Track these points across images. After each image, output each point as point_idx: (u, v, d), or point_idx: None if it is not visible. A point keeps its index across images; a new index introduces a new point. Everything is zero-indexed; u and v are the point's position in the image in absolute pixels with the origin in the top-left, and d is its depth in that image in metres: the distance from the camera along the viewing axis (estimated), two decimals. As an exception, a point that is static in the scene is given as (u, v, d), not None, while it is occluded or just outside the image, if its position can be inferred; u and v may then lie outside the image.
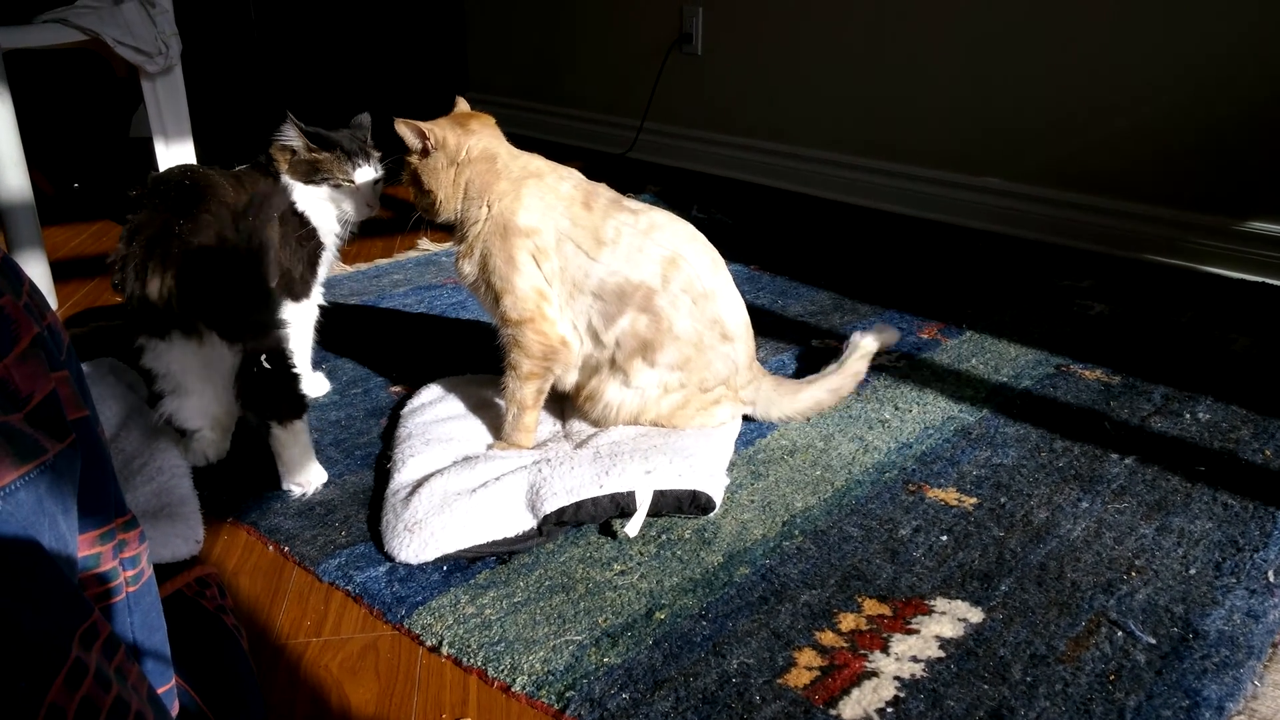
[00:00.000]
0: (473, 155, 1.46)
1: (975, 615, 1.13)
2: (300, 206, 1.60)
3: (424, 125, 1.45)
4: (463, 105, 1.58)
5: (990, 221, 2.72)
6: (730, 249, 1.65)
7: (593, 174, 1.57)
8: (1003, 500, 1.37)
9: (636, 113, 3.55)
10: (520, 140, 1.55)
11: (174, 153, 2.43)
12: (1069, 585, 1.19)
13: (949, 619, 1.13)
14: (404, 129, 1.45)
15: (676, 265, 1.45)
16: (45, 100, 2.88)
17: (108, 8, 2.25)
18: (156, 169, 2.43)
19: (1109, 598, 1.16)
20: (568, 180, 1.50)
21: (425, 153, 1.47)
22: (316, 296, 1.67)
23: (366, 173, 1.60)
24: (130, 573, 0.70)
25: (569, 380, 1.52)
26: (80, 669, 0.48)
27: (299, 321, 1.64)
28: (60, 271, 2.29)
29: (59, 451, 0.58)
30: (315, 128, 1.60)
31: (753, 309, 1.56)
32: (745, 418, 1.59)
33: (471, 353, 1.86)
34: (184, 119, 2.42)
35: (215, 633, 1.03)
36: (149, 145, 2.47)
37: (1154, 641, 1.09)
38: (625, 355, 1.46)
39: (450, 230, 1.53)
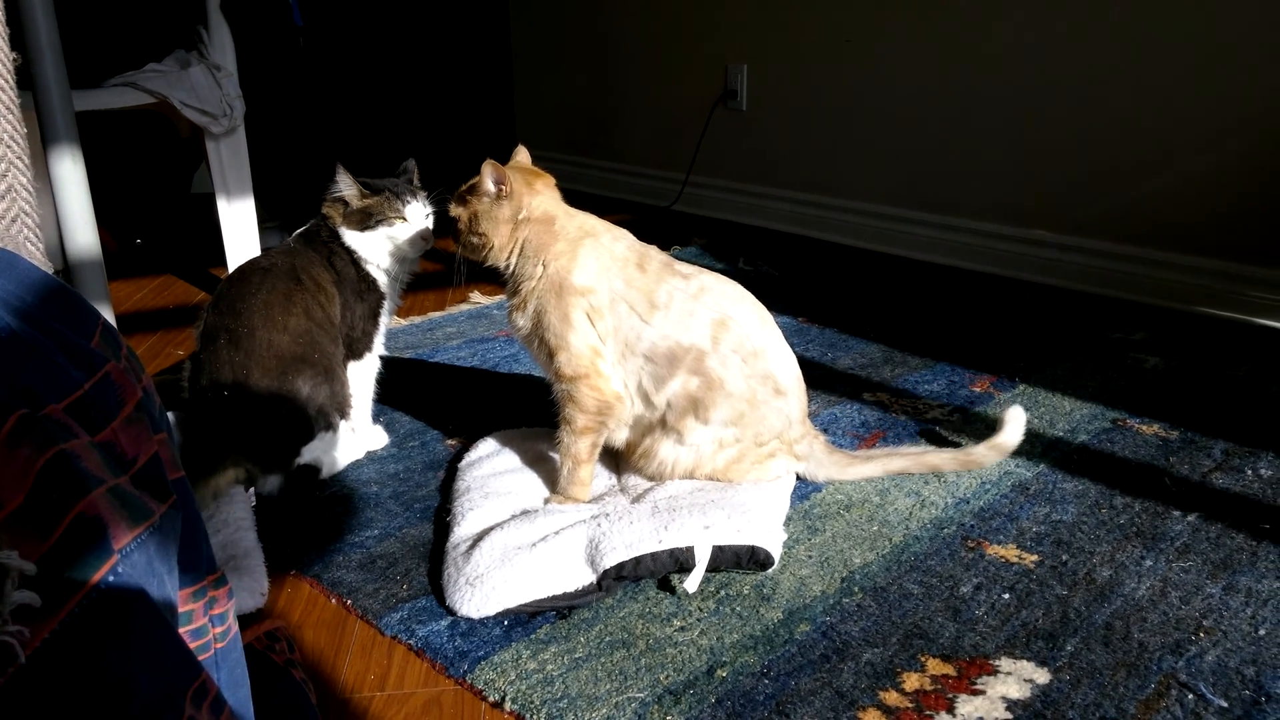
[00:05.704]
0: (533, 215, 1.49)
1: (1041, 676, 1.12)
2: (359, 255, 1.64)
3: (508, 172, 1.47)
4: (523, 154, 1.59)
5: (1040, 274, 2.72)
6: (777, 301, 1.66)
7: (639, 226, 1.59)
8: (1064, 558, 1.36)
9: (682, 166, 3.60)
10: (566, 193, 1.56)
11: (235, 208, 2.50)
12: (1136, 646, 1.17)
13: (1015, 680, 1.11)
14: (488, 170, 1.46)
15: (726, 326, 1.47)
16: (110, 158, 2.98)
17: (175, 72, 2.34)
18: (217, 224, 2.51)
19: (1178, 659, 1.15)
20: (621, 241, 1.52)
21: (497, 196, 1.48)
22: (378, 348, 1.71)
23: (417, 209, 1.65)
24: (218, 629, 0.71)
25: (619, 437, 1.54)
26: (192, 728, 0.50)
27: (361, 377, 1.67)
28: (122, 325, 2.35)
29: (163, 512, 0.60)
30: (362, 177, 1.65)
31: (802, 361, 1.57)
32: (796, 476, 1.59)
33: (525, 405, 1.88)
34: (245, 177, 2.49)
35: (286, 687, 1.04)
36: (210, 201, 2.54)
37: (1225, 704, 1.07)
38: (677, 415, 1.47)
39: (497, 279, 1.56)
